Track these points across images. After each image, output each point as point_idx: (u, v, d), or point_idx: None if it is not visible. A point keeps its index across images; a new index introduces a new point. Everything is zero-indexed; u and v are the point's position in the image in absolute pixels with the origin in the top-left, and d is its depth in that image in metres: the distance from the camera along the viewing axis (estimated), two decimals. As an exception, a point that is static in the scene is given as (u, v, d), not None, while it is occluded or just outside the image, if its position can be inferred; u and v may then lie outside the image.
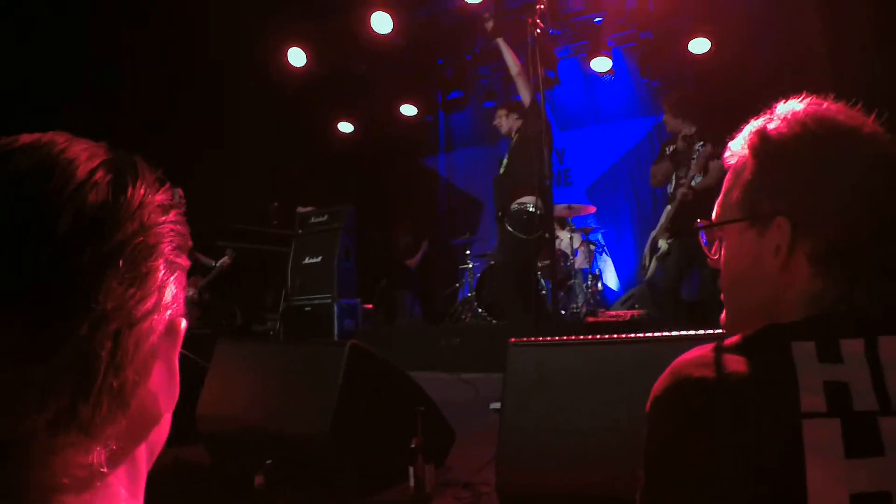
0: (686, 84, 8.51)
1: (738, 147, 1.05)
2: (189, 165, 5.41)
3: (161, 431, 0.68)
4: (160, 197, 0.63)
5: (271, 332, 7.74)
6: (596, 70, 8.89)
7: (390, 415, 2.89)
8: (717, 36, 7.75)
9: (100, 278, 0.55)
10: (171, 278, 0.62)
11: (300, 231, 7.77)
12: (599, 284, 7.98)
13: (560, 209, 7.71)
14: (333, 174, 9.37)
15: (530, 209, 4.92)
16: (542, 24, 4.17)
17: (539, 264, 7.28)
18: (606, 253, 9.09)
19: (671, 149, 5.62)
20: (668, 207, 5.57)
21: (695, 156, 5.38)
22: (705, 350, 0.91)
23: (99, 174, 0.58)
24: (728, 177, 1.07)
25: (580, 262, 7.70)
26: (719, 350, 0.90)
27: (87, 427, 0.55)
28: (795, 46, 5.47)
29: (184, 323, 0.66)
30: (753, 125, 1.04)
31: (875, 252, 0.92)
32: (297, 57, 8.80)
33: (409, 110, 10.17)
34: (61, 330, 0.53)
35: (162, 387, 0.64)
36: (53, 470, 0.54)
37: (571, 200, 8.77)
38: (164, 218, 0.62)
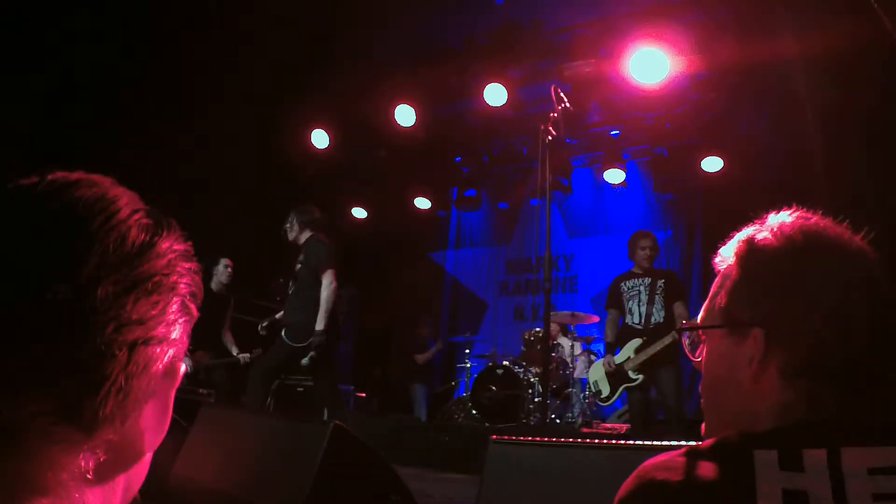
0: (696, 199, 8.70)
1: (728, 253, 1.07)
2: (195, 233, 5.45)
3: (140, 470, 0.73)
4: (183, 247, 0.73)
5: (261, 407, 7.63)
6: (609, 181, 9.07)
7: (367, 502, 2.82)
8: (728, 155, 7.95)
9: (129, 293, 0.64)
10: (182, 320, 0.71)
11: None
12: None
13: (563, 316, 7.71)
14: (341, 258, 9.42)
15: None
16: (554, 132, 4.28)
17: (534, 370, 7.24)
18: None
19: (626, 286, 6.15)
20: (637, 340, 5.85)
21: (658, 291, 5.91)
22: (672, 455, 0.92)
23: (139, 216, 0.69)
24: (716, 280, 1.09)
25: (579, 371, 7.62)
26: (686, 455, 0.90)
27: (88, 423, 0.60)
28: (796, 168, 5.80)
29: (183, 367, 0.74)
30: (744, 233, 1.06)
31: (844, 370, 0.92)
32: (320, 139, 8.99)
33: (422, 203, 10.30)
34: (92, 321, 0.60)
35: (151, 424, 0.70)
36: (38, 465, 0.57)
37: (576, 308, 8.76)
38: (186, 265, 0.72)
